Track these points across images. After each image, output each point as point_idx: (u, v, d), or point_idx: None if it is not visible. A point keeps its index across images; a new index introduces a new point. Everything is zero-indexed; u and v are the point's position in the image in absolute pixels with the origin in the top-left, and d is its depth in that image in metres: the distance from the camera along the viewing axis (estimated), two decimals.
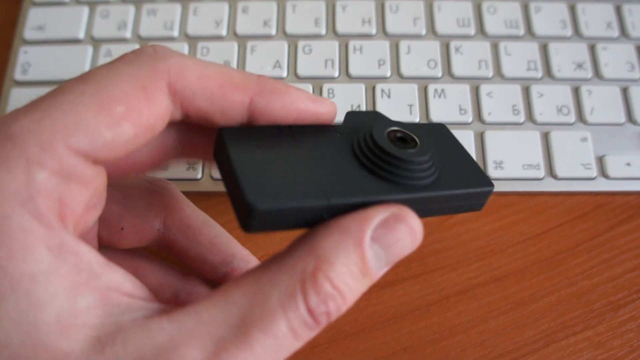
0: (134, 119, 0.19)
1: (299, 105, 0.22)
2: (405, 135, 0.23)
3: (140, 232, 0.26)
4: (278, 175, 0.20)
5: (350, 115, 0.24)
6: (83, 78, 0.20)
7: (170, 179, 0.31)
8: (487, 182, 0.23)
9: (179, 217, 0.27)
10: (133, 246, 0.27)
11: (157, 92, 0.20)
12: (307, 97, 0.22)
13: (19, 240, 0.17)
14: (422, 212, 0.22)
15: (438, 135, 0.25)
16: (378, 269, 0.20)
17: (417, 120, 0.35)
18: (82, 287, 0.18)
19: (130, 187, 0.26)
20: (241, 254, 0.28)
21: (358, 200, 0.20)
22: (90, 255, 0.19)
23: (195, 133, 0.24)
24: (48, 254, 0.18)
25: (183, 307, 0.19)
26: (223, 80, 0.21)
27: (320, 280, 0.18)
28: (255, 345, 0.18)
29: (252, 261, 0.28)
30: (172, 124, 0.23)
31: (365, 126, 0.23)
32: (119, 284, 0.19)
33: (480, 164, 0.34)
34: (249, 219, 0.19)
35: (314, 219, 0.20)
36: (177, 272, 0.28)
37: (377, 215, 0.20)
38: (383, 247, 0.20)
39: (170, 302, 0.27)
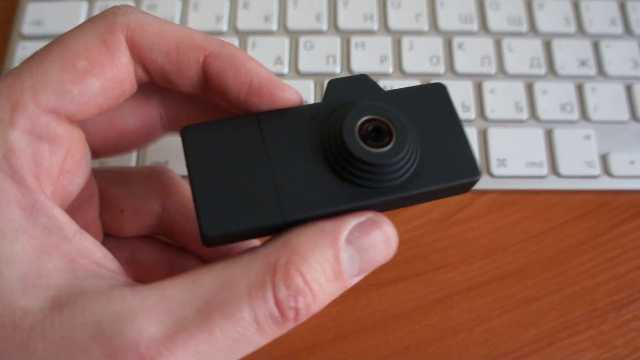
0: (98, 72, 0.20)
1: (252, 79, 0.21)
2: (381, 125, 0.20)
3: (140, 215, 0.26)
4: (235, 193, 0.19)
5: (333, 85, 0.22)
6: (51, 42, 0.20)
7: None
8: (474, 171, 0.21)
9: (177, 199, 0.27)
10: (133, 232, 0.27)
11: (117, 44, 0.20)
12: (266, 76, 0.21)
13: None
14: (397, 206, 0.21)
15: (431, 103, 0.22)
16: (351, 275, 0.20)
17: None
18: (51, 250, 0.18)
19: (130, 171, 0.27)
20: None
21: (316, 214, 0.19)
22: (63, 219, 0.19)
23: (178, 103, 0.24)
24: (20, 213, 0.18)
25: (149, 283, 0.19)
26: (181, 38, 0.21)
27: (291, 273, 0.18)
28: (215, 329, 0.18)
29: (251, 242, 0.28)
30: (153, 95, 0.23)
31: (343, 109, 0.21)
32: (89, 252, 0.19)
33: (483, 162, 0.34)
34: (204, 241, 0.19)
35: (274, 231, 0.20)
36: (172, 249, 0.28)
37: (354, 219, 0.20)
38: (357, 251, 0.19)
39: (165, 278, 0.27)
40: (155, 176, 0.27)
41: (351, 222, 0.19)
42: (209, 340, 0.18)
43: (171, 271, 0.27)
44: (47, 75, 0.19)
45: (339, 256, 0.19)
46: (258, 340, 0.19)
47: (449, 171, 0.21)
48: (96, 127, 0.23)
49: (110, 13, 0.21)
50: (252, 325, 0.18)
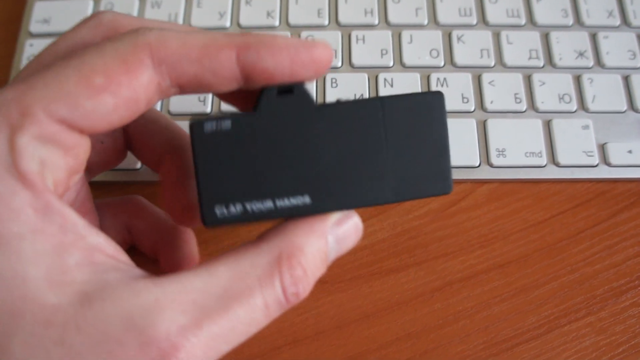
0: (114, 90, 0.20)
1: (289, 51, 0.21)
2: None
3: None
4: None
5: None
6: (70, 55, 0.20)
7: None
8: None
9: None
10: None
11: (138, 64, 0.20)
12: (297, 42, 0.22)
13: (5, 203, 0.18)
14: None
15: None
16: (332, 259, 0.23)
17: None
18: (69, 246, 0.19)
19: None
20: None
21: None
22: (75, 217, 0.20)
23: None
24: (34, 214, 0.19)
25: (166, 275, 0.20)
26: (206, 42, 0.21)
27: (294, 265, 0.21)
28: (233, 316, 0.20)
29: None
30: None
31: None
32: (102, 247, 0.20)
33: (483, 152, 0.34)
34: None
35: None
36: (164, 218, 0.30)
37: (334, 215, 0.23)
38: (336, 240, 0.23)
39: (156, 245, 0.30)
40: None
41: (332, 218, 0.23)
42: (228, 325, 0.20)
43: (160, 237, 0.30)
44: (62, 86, 0.19)
45: (326, 247, 0.22)
46: (263, 323, 0.21)
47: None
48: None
49: (130, 33, 0.21)
50: (263, 310, 0.21)
